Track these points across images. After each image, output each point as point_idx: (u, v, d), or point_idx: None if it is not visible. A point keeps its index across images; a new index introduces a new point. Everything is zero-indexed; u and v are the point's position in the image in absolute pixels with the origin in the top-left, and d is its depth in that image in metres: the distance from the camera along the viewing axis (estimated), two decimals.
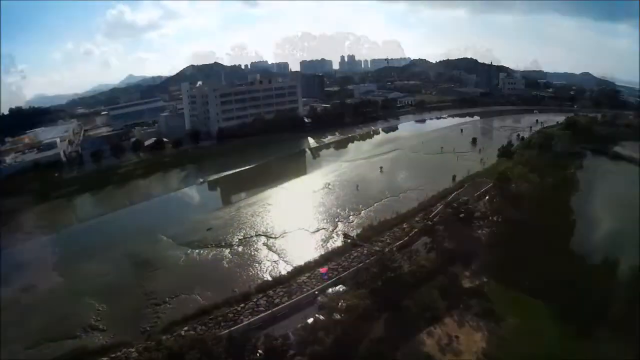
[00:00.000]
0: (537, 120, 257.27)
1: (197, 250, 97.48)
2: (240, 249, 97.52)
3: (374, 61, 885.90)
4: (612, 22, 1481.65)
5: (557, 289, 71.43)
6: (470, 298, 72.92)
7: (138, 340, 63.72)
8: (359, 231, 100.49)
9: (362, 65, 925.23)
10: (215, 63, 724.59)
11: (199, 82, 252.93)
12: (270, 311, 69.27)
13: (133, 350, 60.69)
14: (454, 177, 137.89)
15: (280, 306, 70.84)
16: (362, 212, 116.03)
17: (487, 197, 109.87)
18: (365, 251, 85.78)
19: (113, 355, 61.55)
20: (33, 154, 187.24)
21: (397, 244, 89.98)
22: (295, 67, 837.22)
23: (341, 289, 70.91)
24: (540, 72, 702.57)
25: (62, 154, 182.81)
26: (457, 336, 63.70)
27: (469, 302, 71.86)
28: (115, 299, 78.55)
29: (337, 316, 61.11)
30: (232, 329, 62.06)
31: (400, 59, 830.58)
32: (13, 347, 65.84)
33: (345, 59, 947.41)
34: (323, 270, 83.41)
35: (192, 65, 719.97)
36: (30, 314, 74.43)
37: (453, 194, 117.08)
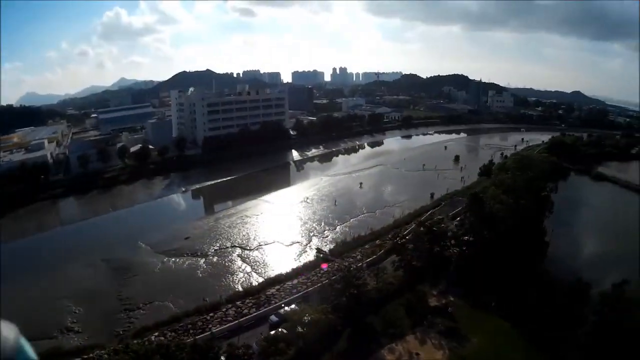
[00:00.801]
0: (522, 139, 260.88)
1: (173, 259, 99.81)
2: (215, 259, 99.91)
3: (365, 74, 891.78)
4: (607, 42, 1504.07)
5: (526, 311, 72.84)
6: (435, 316, 74.63)
7: (111, 343, 65.81)
8: (332, 246, 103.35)
9: (354, 78, 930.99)
10: (208, 70, 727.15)
11: (191, 89, 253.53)
12: (237, 321, 71.72)
13: (104, 352, 62.62)
14: (432, 195, 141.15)
15: (247, 317, 73.29)
16: (338, 227, 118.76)
17: (459, 217, 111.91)
18: (336, 266, 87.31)
19: (86, 357, 63.73)
20: (20, 154, 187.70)
21: (367, 260, 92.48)
22: (287, 77, 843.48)
23: (296, 308, 72.62)
24: (531, 89, 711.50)
25: (49, 155, 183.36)
26: (418, 353, 65.51)
27: (434, 320, 73.55)
28: (92, 303, 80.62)
29: (300, 329, 63.49)
30: (198, 337, 64.56)
31: (392, 72, 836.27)
32: None
33: (337, 71, 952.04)
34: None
35: (184, 71, 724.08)
36: (9, 313, 75.52)
37: (429, 212, 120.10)
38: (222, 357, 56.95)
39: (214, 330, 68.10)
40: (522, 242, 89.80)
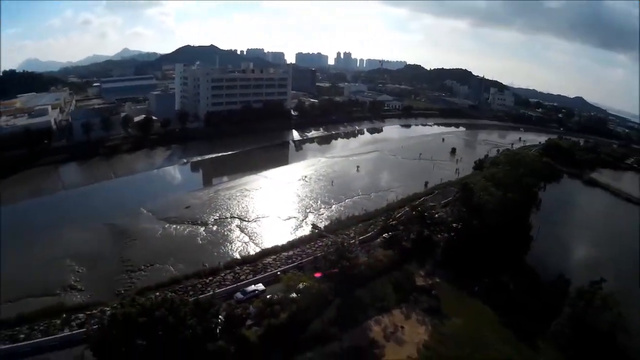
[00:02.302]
0: (520, 138, 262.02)
1: (174, 226, 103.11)
2: (214, 228, 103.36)
3: (369, 61, 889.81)
4: (612, 51, 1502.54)
5: (508, 299, 76.78)
6: (421, 295, 78.46)
7: (113, 301, 67.99)
8: (327, 223, 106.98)
9: (358, 64, 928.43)
10: (212, 45, 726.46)
11: (197, 63, 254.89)
12: (235, 285, 75.30)
13: (108, 309, 64.95)
14: (426, 184, 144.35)
15: (244, 282, 76.83)
16: (333, 206, 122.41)
17: (450, 205, 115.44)
18: (330, 242, 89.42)
19: (89, 312, 66.67)
20: (24, 119, 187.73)
21: (360, 238, 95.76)
22: (290, 57, 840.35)
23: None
24: (534, 91, 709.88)
25: (52, 121, 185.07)
26: (403, 327, 69.23)
27: (419, 298, 77.40)
28: (94, 264, 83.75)
29: (294, 295, 67.10)
30: (199, 296, 67.36)
31: (396, 62, 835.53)
32: None
33: (341, 56, 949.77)
34: None
35: (188, 46, 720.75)
36: (13, 272, 76.20)
37: (421, 199, 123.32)
38: (221, 315, 59.83)
39: (212, 292, 70.75)
40: (508, 234, 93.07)
